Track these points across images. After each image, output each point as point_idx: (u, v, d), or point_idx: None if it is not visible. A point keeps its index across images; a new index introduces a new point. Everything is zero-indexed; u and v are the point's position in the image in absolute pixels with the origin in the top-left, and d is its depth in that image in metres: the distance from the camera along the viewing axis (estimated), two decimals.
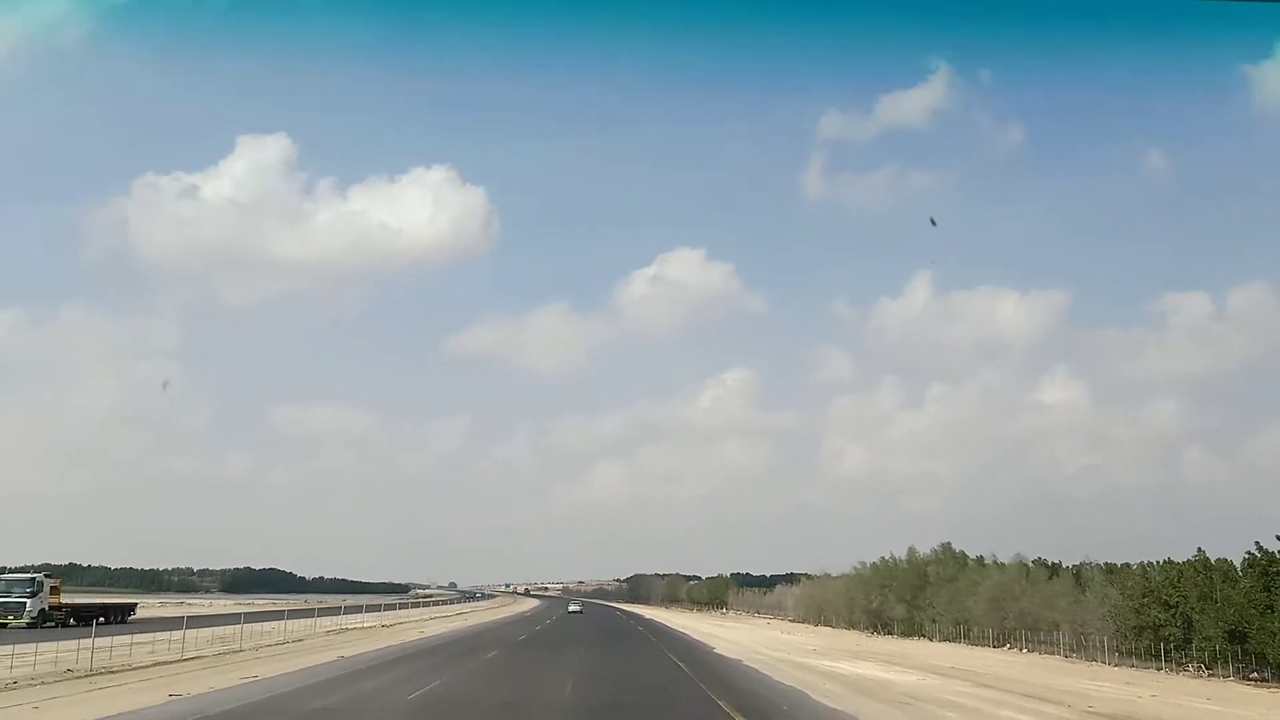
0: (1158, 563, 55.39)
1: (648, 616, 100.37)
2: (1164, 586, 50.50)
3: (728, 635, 62.81)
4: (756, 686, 27.62)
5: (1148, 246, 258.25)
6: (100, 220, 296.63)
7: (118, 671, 28.24)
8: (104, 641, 33.13)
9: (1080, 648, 59.14)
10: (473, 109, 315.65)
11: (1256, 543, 41.71)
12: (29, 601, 55.01)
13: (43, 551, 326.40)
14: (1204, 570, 47.38)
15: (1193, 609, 46.15)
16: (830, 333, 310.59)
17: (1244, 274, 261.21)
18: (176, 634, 36.65)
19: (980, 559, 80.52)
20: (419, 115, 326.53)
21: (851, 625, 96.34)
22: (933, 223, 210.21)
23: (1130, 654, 53.29)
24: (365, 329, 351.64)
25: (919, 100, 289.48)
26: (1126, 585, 57.55)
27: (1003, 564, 72.01)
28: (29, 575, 60.89)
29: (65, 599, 64.29)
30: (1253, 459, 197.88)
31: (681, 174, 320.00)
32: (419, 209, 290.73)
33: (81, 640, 31.91)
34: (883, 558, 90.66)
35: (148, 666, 29.96)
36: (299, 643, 41.47)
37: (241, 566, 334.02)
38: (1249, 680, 39.87)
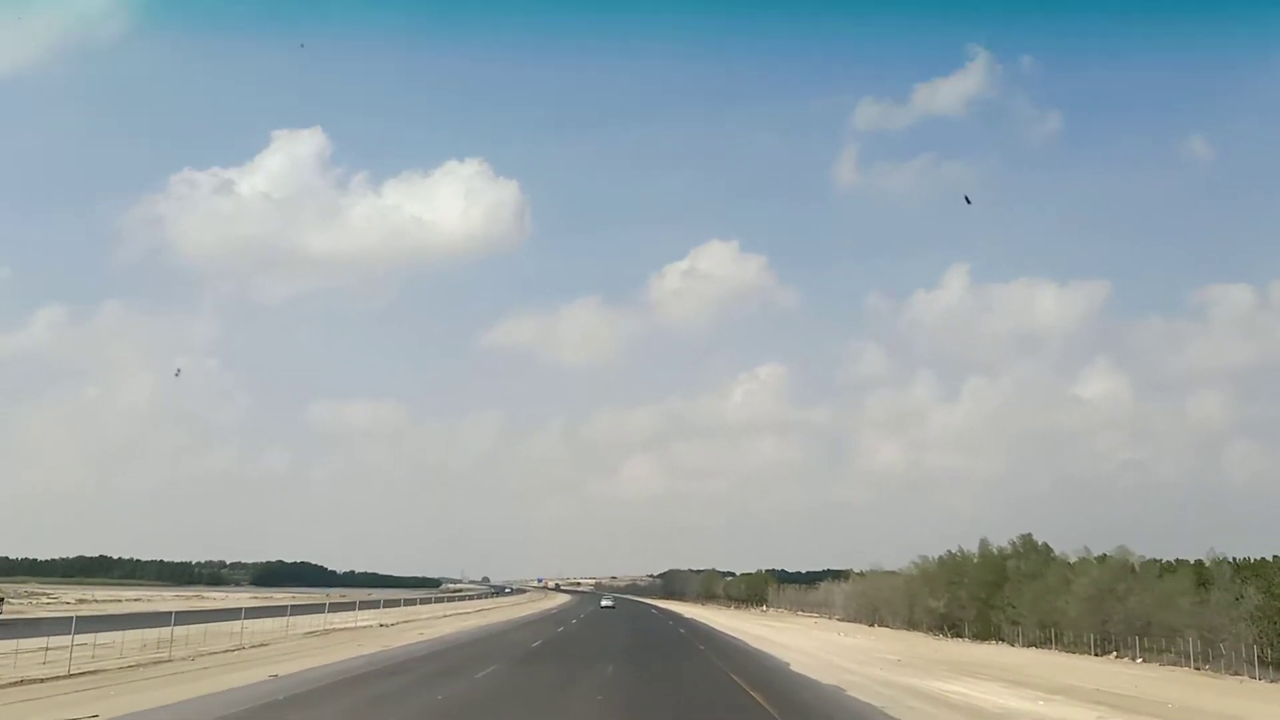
0: None
1: (686, 615, 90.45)
2: None
3: (785, 640, 52.82)
4: None
5: (1190, 236, 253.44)
6: (138, 217, 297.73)
7: None
8: None
9: (1210, 656, 48.96)
10: (505, 103, 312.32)
11: None
12: None
13: (78, 544, 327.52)
14: None
15: None
16: (864, 326, 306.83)
17: None
18: (61, 639, 27.18)
19: (1061, 555, 70.07)
20: (452, 109, 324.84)
21: (911, 626, 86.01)
22: (967, 201, 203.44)
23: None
24: (399, 323, 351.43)
25: (957, 88, 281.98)
26: (1275, 583, 47.49)
27: (1103, 557, 61.30)
28: None
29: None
30: None
31: (715, 166, 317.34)
32: (452, 203, 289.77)
33: None
34: (950, 551, 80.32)
35: None
36: (236, 652, 31.96)
37: (274, 560, 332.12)
38: None
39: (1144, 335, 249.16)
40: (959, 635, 75.48)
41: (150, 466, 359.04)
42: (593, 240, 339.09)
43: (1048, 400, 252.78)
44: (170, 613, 40.59)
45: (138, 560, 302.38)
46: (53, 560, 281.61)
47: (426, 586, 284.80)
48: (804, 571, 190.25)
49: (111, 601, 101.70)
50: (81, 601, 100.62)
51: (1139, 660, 51.75)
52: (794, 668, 30.88)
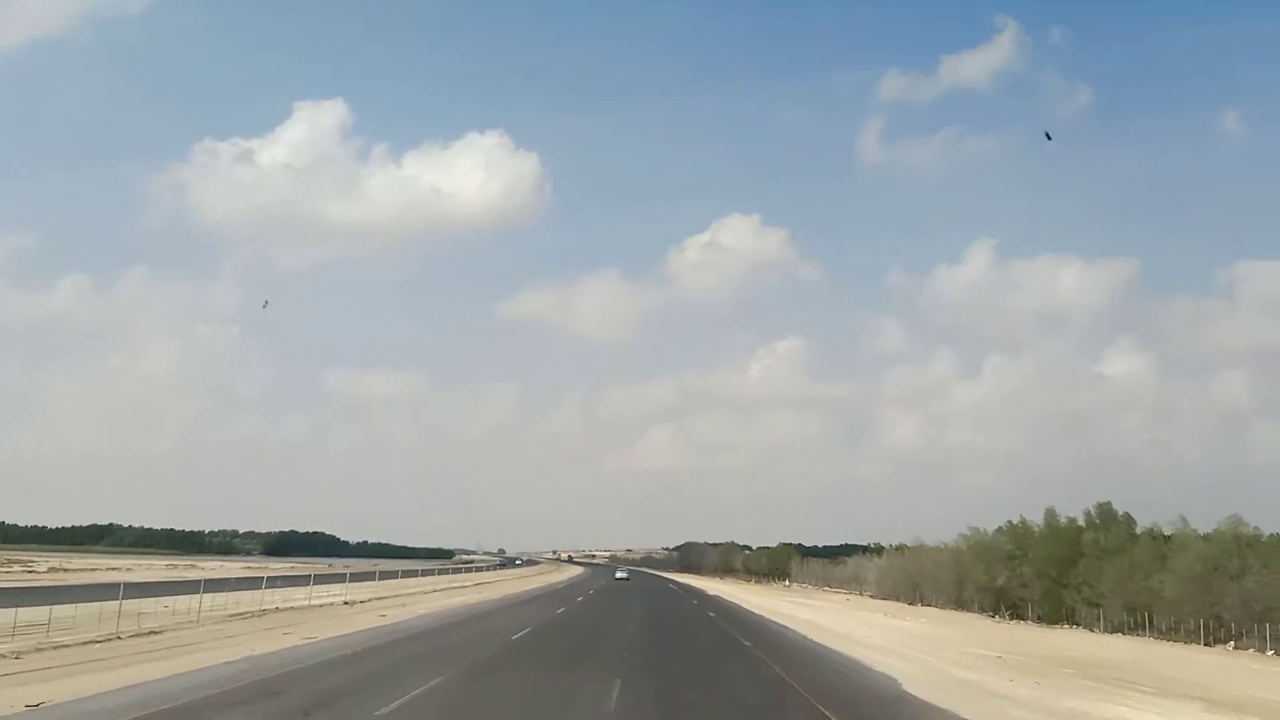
0: None
1: (710, 591, 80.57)
2: None
3: (830, 624, 43.02)
4: None
5: (1219, 212, 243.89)
6: (161, 185, 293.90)
7: None
8: None
9: None
10: (526, 75, 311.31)
11: None
12: None
13: (92, 512, 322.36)
14: None
15: None
16: (886, 301, 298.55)
17: None
18: None
19: (1150, 527, 59.69)
20: (473, 81, 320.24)
21: (959, 605, 75.93)
22: (1048, 137, 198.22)
23: None
24: (418, 294, 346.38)
25: (984, 60, 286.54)
26: None
27: (1216, 532, 50.87)
28: None
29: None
30: None
31: (738, 138, 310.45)
32: (472, 174, 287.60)
33: None
34: (1010, 521, 69.93)
35: None
36: (102, 645, 22.30)
37: (287, 530, 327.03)
38: None
39: (1171, 313, 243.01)
40: (1020, 617, 65.41)
41: (168, 434, 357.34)
42: (612, 213, 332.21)
43: (1072, 378, 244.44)
44: (119, 584, 32.37)
45: (148, 529, 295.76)
46: (61, 528, 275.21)
47: (440, 558, 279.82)
48: (821, 546, 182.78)
49: (85, 570, 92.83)
50: (53, 570, 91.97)
51: (1269, 652, 41.69)
52: (875, 666, 21.50)
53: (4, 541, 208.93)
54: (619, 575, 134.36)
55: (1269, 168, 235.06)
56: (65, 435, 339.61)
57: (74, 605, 28.94)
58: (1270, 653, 41.66)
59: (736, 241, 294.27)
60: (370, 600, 47.25)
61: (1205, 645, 45.75)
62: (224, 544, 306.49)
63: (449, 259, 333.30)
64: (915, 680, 19.99)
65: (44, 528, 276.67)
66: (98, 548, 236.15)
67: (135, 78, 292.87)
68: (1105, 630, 54.84)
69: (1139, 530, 60.00)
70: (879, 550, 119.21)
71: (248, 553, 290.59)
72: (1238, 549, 48.91)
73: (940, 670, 23.87)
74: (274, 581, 55.07)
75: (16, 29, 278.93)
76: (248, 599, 40.23)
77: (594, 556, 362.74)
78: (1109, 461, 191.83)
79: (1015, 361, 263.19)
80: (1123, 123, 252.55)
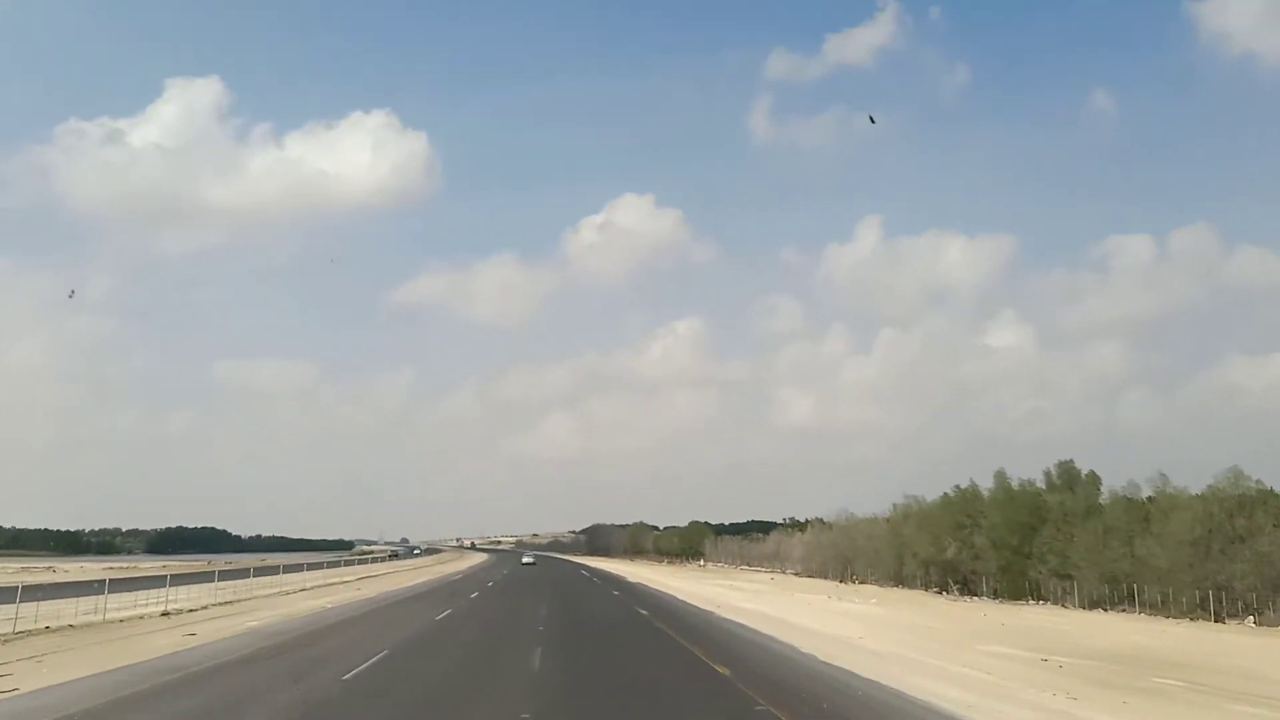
0: None
1: (627, 577, 70.87)
2: None
3: (782, 614, 34.14)
4: None
5: (1093, 189, 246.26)
6: (20, 167, 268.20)
7: None
8: None
9: None
10: (412, 53, 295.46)
11: None
12: None
13: None
14: None
15: None
16: (779, 279, 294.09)
17: (1185, 215, 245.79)
18: None
19: (1122, 488, 52.53)
20: (358, 59, 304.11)
21: (900, 582, 68.43)
22: (871, 120, 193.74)
23: None
24: (305, 280, 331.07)
25: (867, 38, 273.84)
26: None
27: (1211, 489, 43.43)
28: None
29: None
30: (1191, 400, 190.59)
31: (629, 118, 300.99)
32: (358, 155, 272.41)
33: None
34: (958, 486, 62.31)
35: None
36: None
37: (174, 526, 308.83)
38: None
39: (1048, 286, 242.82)
40: (972, 593, 57.96)
41: (43, 429, 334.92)
42: (506, 194, 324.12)
43: (957, 351, 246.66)
44: None
45: (19, 529, 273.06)
46: None
47: (338, 550, 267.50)
48: (728, 524, 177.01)
49: None
50: None
51: None
52: (881, 679, 12.83)
53: None
54: (525, 560, 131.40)
55: (1137, 145, 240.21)
56: None
57: None
58: None
59: (631, 222, 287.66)
60: (207, 607, 36.42)
61: (1218, 622, 38.42)
62: (104, 543, 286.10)
63: (337, 243, 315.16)
64: (883, 670, 10.64)
65: None
66: None
67: None
68: (1081, 605, 47.47)
69: (1104, 491, 52.99)
70: (801, 526, 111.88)
71: (129, 552, 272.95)
72: (1240, 507, 41.74)
73: (1016, 697, 14.81)
74: (117, 585, 44.52)
75: None
76: (32, 612, 29.02)
77: (499, 543, 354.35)
78: (992, 429, 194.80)
79: (905, 335, 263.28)
80: (999, 101, 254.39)
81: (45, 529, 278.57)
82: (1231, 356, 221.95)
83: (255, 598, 43.64)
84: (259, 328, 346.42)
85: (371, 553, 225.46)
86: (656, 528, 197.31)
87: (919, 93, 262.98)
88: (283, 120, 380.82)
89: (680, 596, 42.97)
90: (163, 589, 43.46)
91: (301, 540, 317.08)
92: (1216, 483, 43.24)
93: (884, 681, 16.79)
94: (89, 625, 28.27)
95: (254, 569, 73.08)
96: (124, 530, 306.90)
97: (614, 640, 23.87)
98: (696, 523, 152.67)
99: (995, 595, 55.29)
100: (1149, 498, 47.68)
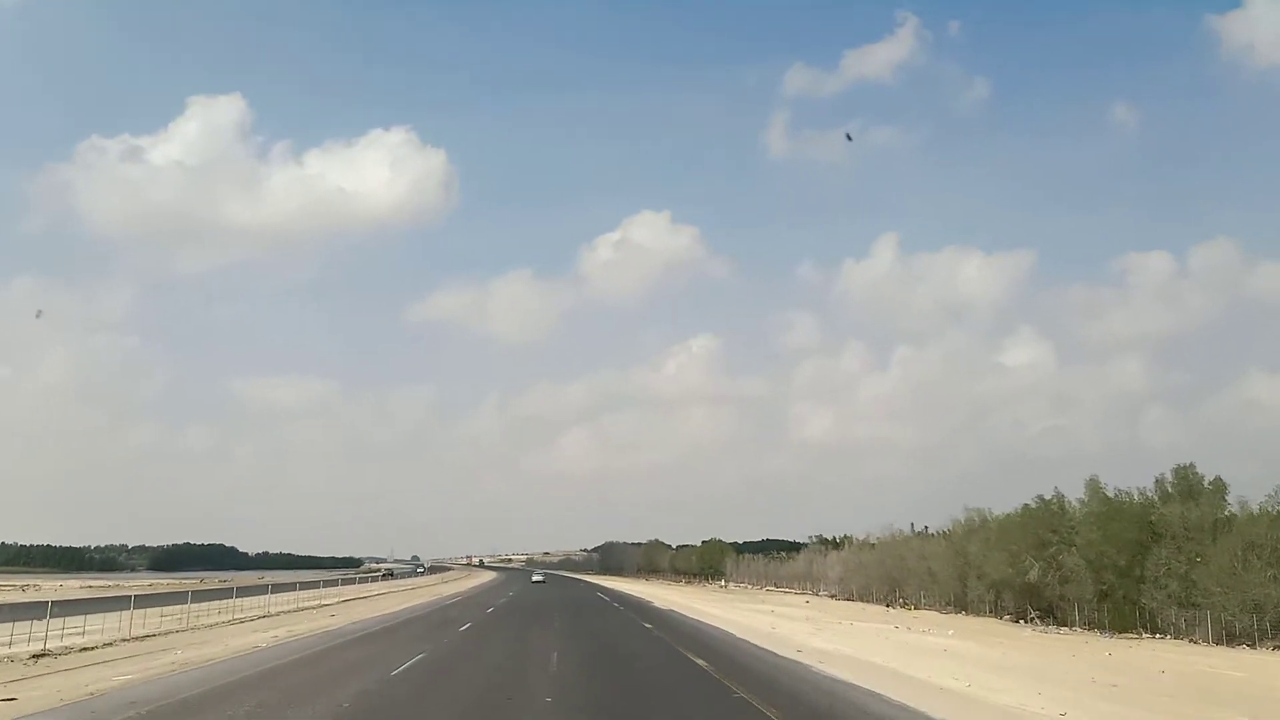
0: None
1: (649, 600, 60.79)
2: None
3: (866, 654, 24.73)
4: None
5: (1112, 204, 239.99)
6: (42, 186, 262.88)
7: None
8: None
9: None
10: (431, 70, 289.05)
11: None
12: None
13: None
14: None
15: None
16: (796, 296, 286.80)
17: (1206, 231, 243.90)
18: None
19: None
20: (378, 76, 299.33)
21: (961, 608, 58.75)
22: (848, 138, 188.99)
23: None
24: (324, 297, 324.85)
25: (885, 54, 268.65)
26: None
27: None
28: None
29: None
30: (1212, 417, 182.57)
31: (646, 134, 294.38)
32: (377, 172, 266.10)
33: None
34: (1040, 497, 52.46)
35: None
36: None
37: (181, 542, 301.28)
38: None
39: (1067, 303, 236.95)
40: (1060, 622, 48.24)
41: (57, 447, 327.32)
42: (523, 211, 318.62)
43: (974, 368, 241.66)
44: None
45: (23, 545, 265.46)
46: None
47: (345, 567, 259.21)
48: (743, 542, 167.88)
49: None
50: None
51: None
52: None
53: None
54: (535, 579, 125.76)
55: (1158, 159, 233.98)
56: None
57: None
58: None
59: (648, 238, 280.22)
60: (98, 647, 27.04)
61: None
62: (108, 560, 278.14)
63: (356, 260, 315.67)
64: None
65: None
66: None
67: (12, 70, 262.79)
68: (1214, 640, 37.74)
69: (1231, 501, 43.26)
70: (834, 543, 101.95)
71: (132, 569, 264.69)
72: None
73: None
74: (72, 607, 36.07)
75: None
76: None
77: (510, 560, 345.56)
78: (1009, 446, 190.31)
79: (921, 353, 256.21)
80: (1019, 116, 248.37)
81: (49, 545, 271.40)
82: (1252, 372, 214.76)
83: (192, 629, 34.32)
84: (277, 345, 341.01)
85: (377, 570, 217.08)
86: (670, 546, 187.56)
87: (938, 107, 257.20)
88: (303, 137, 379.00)
89: (731, 631, 33.27)
90: (78, 617, 34.46)
91: (308, 558, 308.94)
92: None
93: None
94: None
95: (238, 589, 64.03)
96: (130, 547, 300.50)
97: (651, 693, 14.49)
98: (716, 540, 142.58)
99: (1093, 626, 45.56)
100: None
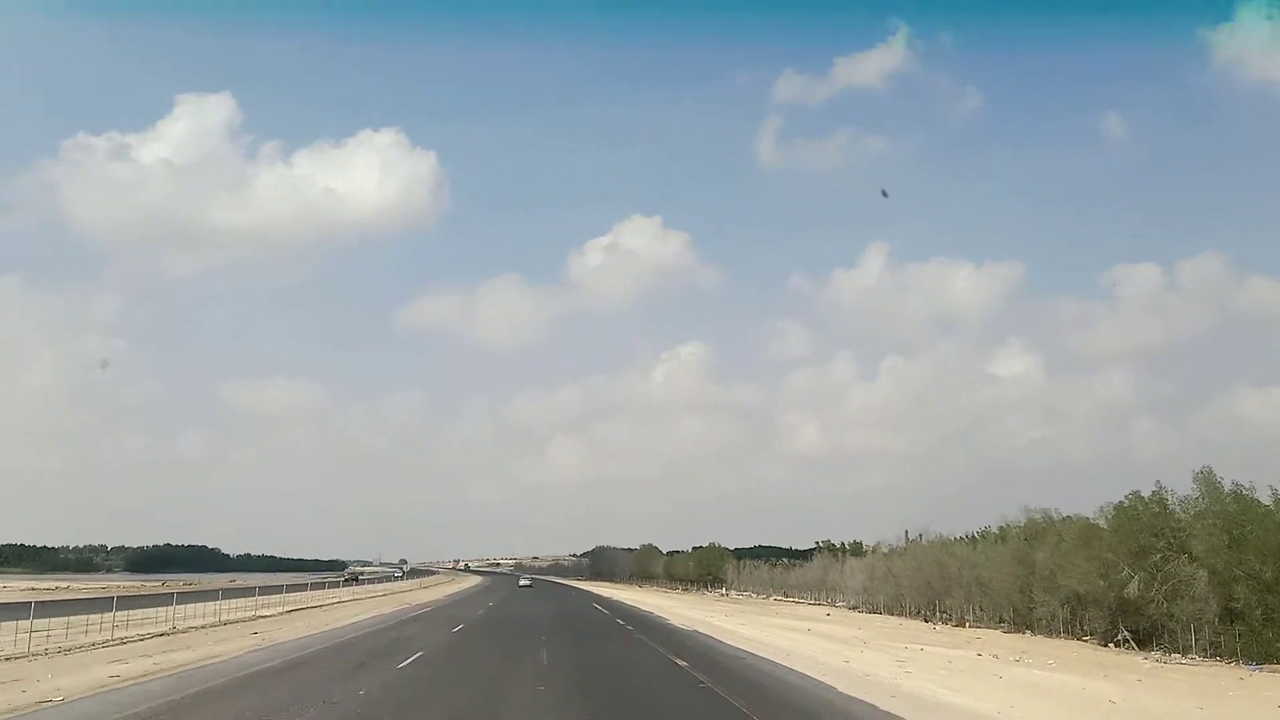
0: None
1: (660, 615, 49.71)
2: None
3: (988, 706, 14.38)
4: None
5: (1102, 216, 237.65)
6: (27, 184, 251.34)
7: None
8: None
9: None
10: (422, 72, 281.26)
11: None
12: None
13: None
14: None
15: None
16: (786, 304, 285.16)
17: (1195, 245, 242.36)
18: None
19: None
20: (368, 77, 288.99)
21: (1025, 626, 48.87)
22: (884, 194, 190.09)
23: None
24: (312, 300, 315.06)
25: (877, 62, 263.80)
26: None
27: None
28: None
29: None
30: (1201, 429, 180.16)
31: (637, 140, 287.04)
32: (367, 174, 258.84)
33: None
34: (1137, 493, 42.29)
35: None
36: None
37: (162, 544, 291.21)
38: None
39: (1056, 314, 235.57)
40: (1170, 646, 38.22)
41: (42, 449, 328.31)
42: (513, 215, 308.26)
43: (964, 379, 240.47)
44: None
45: None
46: None
47: (329, 570, 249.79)
48: (732, 549, 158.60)
49: None
50: None
51: None
52: None
53: None
54: (522, 583, 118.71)
55: (1148, 172, 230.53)
56: None
57: None
58: None
59: (639, 244, 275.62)
60: None
61: None
62: (83, 560, 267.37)
63: (345, 263, 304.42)
64: None
65: None
66: None
67: None
68: None
69: None
70: (845, 550, 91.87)
71: (108, 570, 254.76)
72: None
73: None
74: None
75: None
76: None
77: (499, 565, 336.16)
78: (998, 458, 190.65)
79: (911, 363, 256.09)
80: (1010, 127, 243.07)
81: (22, 544, 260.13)
82: (1240, 388, 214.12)
83: (82, 647, 24.01)
84: (265, 348, 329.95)
85: (360, 574, 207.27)
86: (663, 551, 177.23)
87: (929, 117, 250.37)
88: (292, 137, 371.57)
89: (806, 671, 22.78)
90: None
91: (292, 560, 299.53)
92: None
93: None
94: None
95: (179, 595, 53.95)
96: (110, 548, 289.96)
97: None
98: (715, 545, 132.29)
99: (1216, 652, 35.66)
100: None
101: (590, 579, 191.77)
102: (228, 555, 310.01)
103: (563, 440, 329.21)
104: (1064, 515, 49.46)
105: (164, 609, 44.26)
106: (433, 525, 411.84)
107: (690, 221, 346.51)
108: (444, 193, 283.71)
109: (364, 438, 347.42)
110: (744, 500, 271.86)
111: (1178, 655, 36.72)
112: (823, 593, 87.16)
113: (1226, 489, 39.04)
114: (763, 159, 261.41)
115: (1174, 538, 39.19)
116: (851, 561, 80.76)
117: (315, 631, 31.41)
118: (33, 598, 61.61)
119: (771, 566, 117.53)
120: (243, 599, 58.68)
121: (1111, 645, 41.18)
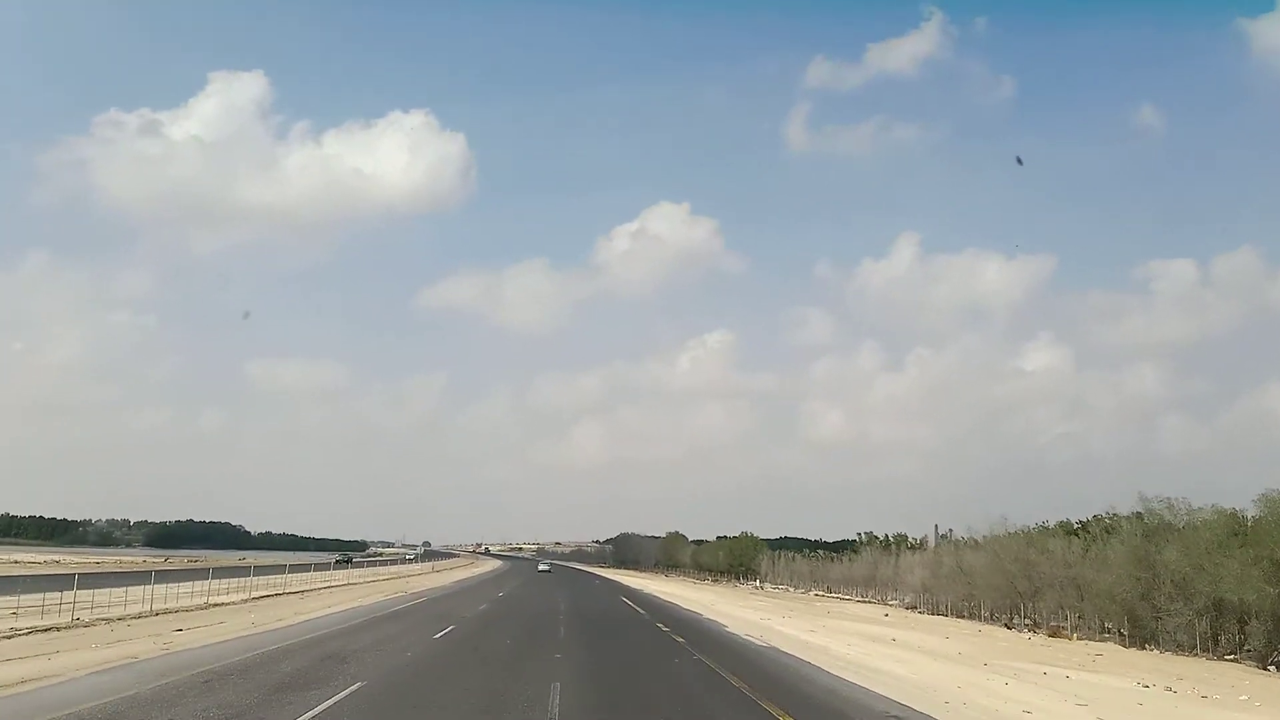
0: None
1: (711, 617, 39.22)
2: None
3: None
4: None
5: (1136, 210, 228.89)
6: (58, 160, 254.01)
7: None
8: None
9: None
10: (453, 55, 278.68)
11: None
12: None
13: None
14: None
15: None
16: (813, 293, 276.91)
17: (1230, 240, 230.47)
18: None
19: None
20: (399, 58, 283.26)
21: (1149, 640, 39.66)
22: (1019, 161, 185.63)
23: None
24: (338, 279, 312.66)
25: (910, 48, 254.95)
26: None
27: None
28: None
29: None
30: (1231, 426, 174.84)
31: (666, 125, 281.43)
32: (395, 155, 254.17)
33: None
34: None
35: None
36: None
37: (184, 519, 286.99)
38: None
39: (1087, 308, 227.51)
40: None
41: (69, 423, 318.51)
42: (541, 198, 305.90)
43: (991, 371, 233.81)
44: None
45: (11, 516, 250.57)
46: None
47: (353, 550, 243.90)
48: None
49: None
50: None
51: None
52: None
53: None
54: (541, 568, 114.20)
55: (1184, 164, 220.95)
56: None
57: None
58: None
59: (666, 230, 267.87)
60: None
61: None
62: (102, 534, 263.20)
63: (371, 243, 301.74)
64: None
65: None
66: None
67: (31, 41, 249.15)
68: None
69: None
70: (900, 542, 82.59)
71: (127, 544, 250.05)
72: None
73: None
74: None
75: None
76: None
77: (521, 549, 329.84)
78: (1023, 451, 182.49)
79: (938, 355, 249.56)
80: (1044, 116, 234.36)
81: (40, 517, 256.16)
82: (1273, 383, 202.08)
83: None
84: (290, 327, 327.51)
85: (380, 555, 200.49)
86: (689, 540, 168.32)
87: (962, 105, 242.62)
88: (322, 117, 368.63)
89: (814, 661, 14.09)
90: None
91: (314, 539, 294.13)
92: None
93: None
94: None
95: (156, 573, 46.46)
96: (132, 523, 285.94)
97: None
98: (748, 534, 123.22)
99: None
100: None
101: (614, 566, 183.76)
102: (249, 533, 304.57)
103: (587, 425, 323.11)
104: (1193, 506, 40.19)
105: (122, 589, 37.46)
106: (456, 508, 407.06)
107: (718, 208, 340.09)
108: (472, 175, 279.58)
109: (389, 419, 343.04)
110: (768, 490, 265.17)
111: None
112: (871, 589, 78.09)
113: None
114: (792, 146, 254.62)
115: None
116: (907, 556, 71.52)
117: (245, 634, 22.90)
118: None
119: (805, 558, 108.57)
120: (231, 579, 51.04)
121: (1274, 668, 32.13)
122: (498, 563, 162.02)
